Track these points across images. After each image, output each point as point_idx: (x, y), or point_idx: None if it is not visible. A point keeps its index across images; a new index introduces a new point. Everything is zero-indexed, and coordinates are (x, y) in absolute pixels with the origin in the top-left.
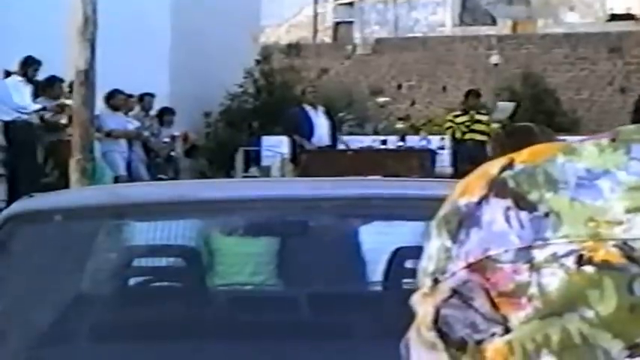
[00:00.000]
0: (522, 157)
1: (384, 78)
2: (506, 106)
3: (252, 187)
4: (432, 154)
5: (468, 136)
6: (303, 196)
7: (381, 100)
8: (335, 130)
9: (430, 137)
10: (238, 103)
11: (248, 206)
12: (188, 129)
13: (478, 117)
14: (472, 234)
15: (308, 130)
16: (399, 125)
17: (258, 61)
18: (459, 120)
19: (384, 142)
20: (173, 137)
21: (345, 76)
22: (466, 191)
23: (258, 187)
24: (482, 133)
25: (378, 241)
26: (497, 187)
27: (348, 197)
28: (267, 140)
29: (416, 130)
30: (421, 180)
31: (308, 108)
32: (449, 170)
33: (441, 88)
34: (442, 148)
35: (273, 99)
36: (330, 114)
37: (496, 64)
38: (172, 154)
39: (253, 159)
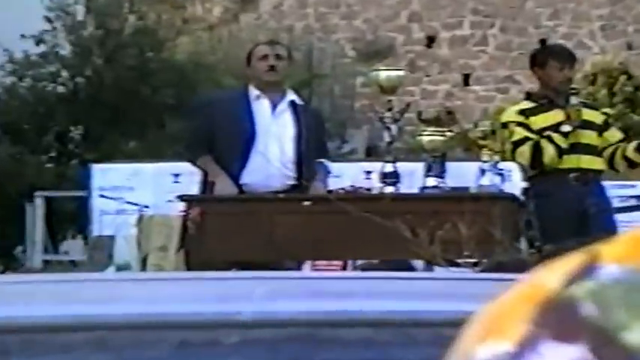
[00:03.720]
0: (614, 253)
1: (393, 19)
2: None
3: (69, 293)
4: (515, 203)
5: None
6: (197, 316)
7: (387, 74)
8: (314, 149)
9: (505, 165)
10: (32, 84)
11: (62, 341)
12: None
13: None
14: None
15: (242, 147)
16: (427, 135)
17: None
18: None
19: (389, 176)
20: None
21: (293, 16)
22: (492, 330)
23: (84, 295)
24: (588, 150)
25: None
26: (556, 319)
27: (293, 320)
28: (105, 173)
29: (470, 146)
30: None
31: (255, 93)
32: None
33: (528, 45)
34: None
35: (114, 74)
36: (312, 112)
37: None
38: None
39: (71, 218)
